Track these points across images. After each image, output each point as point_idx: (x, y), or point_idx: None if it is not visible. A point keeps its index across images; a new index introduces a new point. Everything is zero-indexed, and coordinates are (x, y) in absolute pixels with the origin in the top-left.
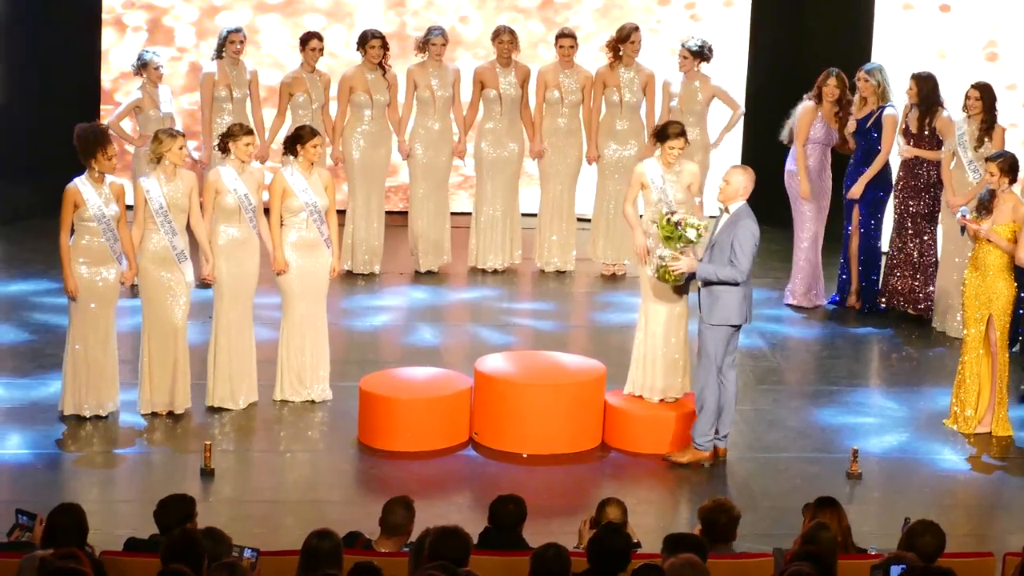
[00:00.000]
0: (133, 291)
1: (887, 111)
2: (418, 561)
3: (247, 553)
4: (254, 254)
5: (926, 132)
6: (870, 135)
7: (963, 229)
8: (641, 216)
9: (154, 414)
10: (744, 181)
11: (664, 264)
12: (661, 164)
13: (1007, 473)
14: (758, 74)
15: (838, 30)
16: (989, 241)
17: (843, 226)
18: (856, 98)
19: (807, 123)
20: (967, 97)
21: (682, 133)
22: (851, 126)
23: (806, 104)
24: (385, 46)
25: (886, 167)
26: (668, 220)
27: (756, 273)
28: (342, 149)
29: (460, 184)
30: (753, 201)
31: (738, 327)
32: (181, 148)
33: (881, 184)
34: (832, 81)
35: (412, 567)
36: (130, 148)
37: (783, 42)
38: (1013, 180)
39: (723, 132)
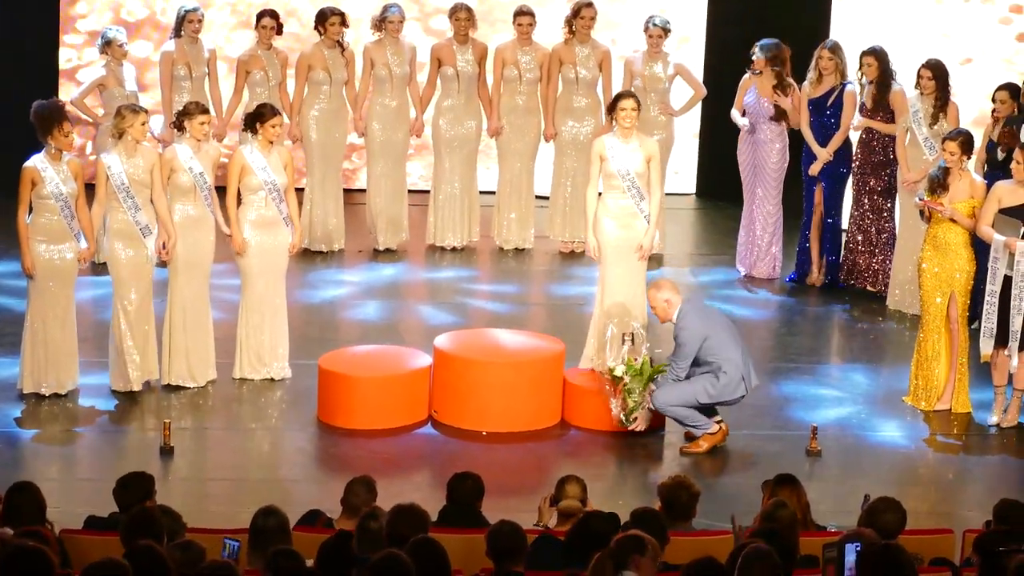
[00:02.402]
0: (94, 268)
1: (848, 88)
2: (363, 539)
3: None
4: (209, 232)
5: (881, 108)
6: (835, 114)
7: (922, 213)
8: (600, 194)
9: (115, 392)
10: (671, 293)
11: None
12: (619, 137)
13: (966, 450)
14: (716, 51)
15: (796, 6)
16: (953, 221)
17: (803, 204)
18: (811, 75)
19: (740, 93)
20: (919, 76)
21: (631, 95)
22: (803, 103)
23: (745, 76)
24: (344, 23)
25: (848, 144)
26: (642, 365)
27: (718, 251)
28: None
29: (411, 157)
30: (713, 179)
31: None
32: (143, 124)
33: (845, 161)
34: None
35: (356, 545)
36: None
37: (741, 18)
38: (968, 157)
39: (684, 109)
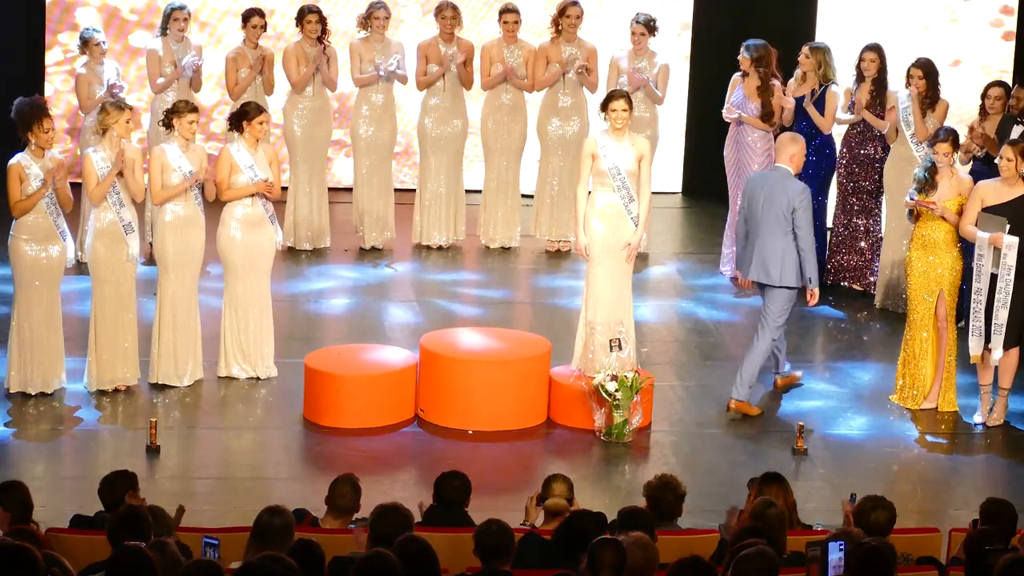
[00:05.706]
0: (80, 268)
1: (833, 88)
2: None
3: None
4: (199, 231)
5: (877, 105)
6: (818, 113)
7: (911, 213)
8: (590, 193)
9: (102, 392)
10: (785, 147)
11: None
12: (611, 135)
13: (952, 449)
14: (701, 45)
15: (782, 5)
16: (943, 219)
17: None
18: (797, 74)
19: (730, 92)
20: (909, 75)
21: (624, 96)
22: (789, 103)
23: (735, 75)
24: (322, 21)
25: (831, 144)
26: (632, 380)
27: (703, 250)
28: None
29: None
30: (699, 178)
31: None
32: (127, 121)
33: (826, 162)
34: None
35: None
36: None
37: (726, 17)
38: (956, 152)
39: (649, 91)
